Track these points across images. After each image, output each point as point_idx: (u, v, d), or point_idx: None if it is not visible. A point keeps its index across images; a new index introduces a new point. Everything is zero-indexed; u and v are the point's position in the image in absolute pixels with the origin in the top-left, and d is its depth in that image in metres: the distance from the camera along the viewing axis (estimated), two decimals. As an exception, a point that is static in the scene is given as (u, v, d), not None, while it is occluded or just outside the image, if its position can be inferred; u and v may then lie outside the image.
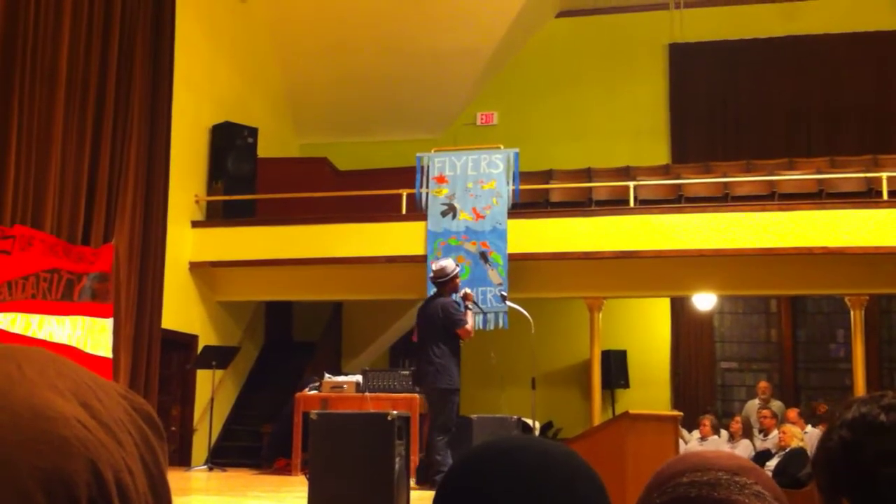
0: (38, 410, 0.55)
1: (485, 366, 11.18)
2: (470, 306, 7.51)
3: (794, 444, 8.83)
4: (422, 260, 10.14)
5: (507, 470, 0.83)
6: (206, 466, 9.52)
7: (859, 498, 1.21)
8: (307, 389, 9.19)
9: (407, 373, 8.57)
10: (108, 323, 8.63)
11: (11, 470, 0.53)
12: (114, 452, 0.58)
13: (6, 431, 0.54)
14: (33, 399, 0.56)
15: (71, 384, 0.59)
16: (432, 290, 7.92)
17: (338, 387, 8.95)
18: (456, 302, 7.52)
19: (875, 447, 1.20)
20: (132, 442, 0.60)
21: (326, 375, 9.26)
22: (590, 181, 12.05)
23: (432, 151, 10.88)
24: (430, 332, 7.42)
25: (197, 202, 11.23)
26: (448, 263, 7.85)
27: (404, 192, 10.77)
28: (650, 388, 12.71)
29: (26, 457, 0.54)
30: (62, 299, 8.19)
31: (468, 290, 7.63)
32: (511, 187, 10.44)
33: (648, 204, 10.76)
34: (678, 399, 12.70)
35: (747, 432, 10.17)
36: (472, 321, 7.42)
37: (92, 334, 8.46)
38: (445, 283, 7.58)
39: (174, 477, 8.36)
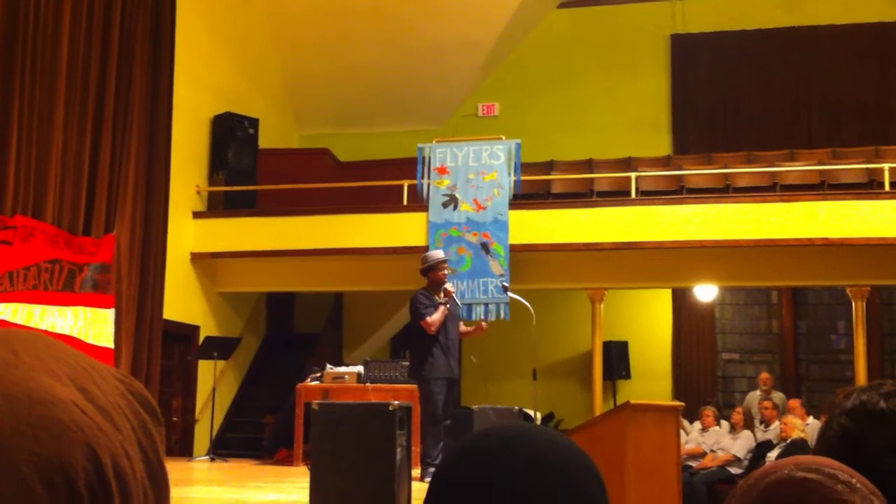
0: (35, 395, 0.55)
1: (482, 359, 11.22)
2: (445, 301, 7.47)
3: (796, 434, 8.84)
4: (423, 251, 10.13)
5: (504, 461, 0.82)
6: (207, 457, 9.53)
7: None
8: (308, 380, 9.21)
9: (408, 363, 8.59)
10: (110, 314, 8.63)
11: (8, 456, 0.52)
12: (111, 437, 0.57)
13: (3, 417, 0.53)
14: (30, 383, 0.56)
15: (68, 368, 0.59)
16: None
17: (339, 377, 8.96)
18: (428, 295, 7.50)
19: (875, 436, 1.20)
20: (129, 426, 0.60)
21: (328, 366, 9.27)
22: (591, 172, 12.04)
23: (434, 142, 10.86)
24: (410, 323, 7.63)
25: (198, 193, 11.22)
26: (432, 253, 7.88)
27: (405, 183, 10.76)
28: (651, 380, 12.71)
29: (23, 443, 0.53)
30: (63, 290, 8.19)
31: (448, 286, 7.59)
32: (512, 178, 10.43)
33: (649, 195, 10.74)
34: (679, 390, 12.69)
35: (748, 423, 10.17)
36: (436, 317, 7.31)
37: (93, 325, 8.47)
38: (425, 271, 7.61)
39: (176, 467, 8.38)
